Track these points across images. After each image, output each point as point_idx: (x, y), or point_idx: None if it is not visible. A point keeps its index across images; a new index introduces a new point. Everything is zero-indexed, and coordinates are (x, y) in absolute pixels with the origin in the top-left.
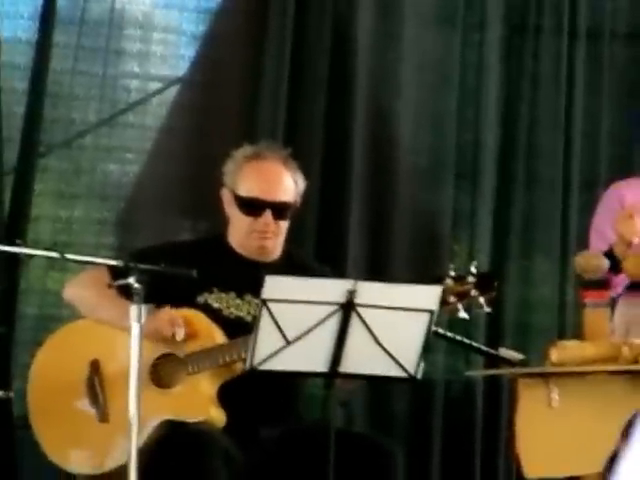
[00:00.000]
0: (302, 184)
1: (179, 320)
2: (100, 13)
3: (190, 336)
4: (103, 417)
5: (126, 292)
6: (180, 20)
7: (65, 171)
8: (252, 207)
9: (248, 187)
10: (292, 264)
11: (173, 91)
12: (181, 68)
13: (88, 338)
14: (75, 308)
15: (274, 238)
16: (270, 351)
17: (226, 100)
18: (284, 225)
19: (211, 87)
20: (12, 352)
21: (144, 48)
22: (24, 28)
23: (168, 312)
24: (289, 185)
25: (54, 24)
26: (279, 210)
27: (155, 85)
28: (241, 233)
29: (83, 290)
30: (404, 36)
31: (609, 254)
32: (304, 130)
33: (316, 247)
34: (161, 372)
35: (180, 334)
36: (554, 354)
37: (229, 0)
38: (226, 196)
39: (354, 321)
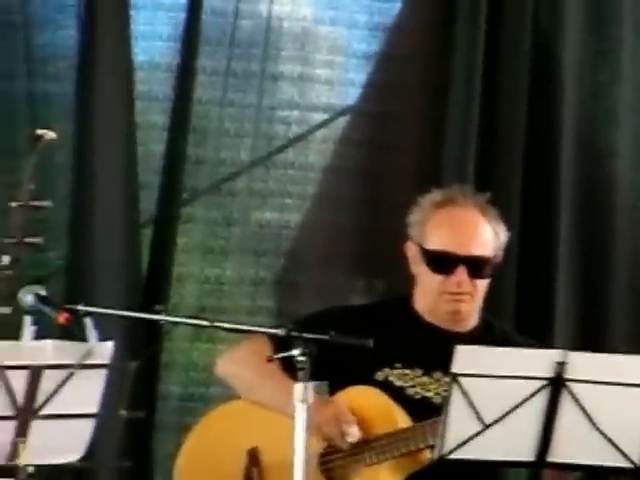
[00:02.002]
0: (504, 236)
1: (349, 416)
2: (253, 32)
3: (367, 420)
4: None
5: (290, 367)
6: (348, 38)
7: (213, 221)
8: (443, 263)
9: (439, 239)
10: (492, 336)
11: (341, 123)
12: (350, 96)
13: (245, 422)
14: (229, 386)
15: (470, 301)
16: (463, 436)
17: (405, 134)
18: (482, 285)
19: (386, 118)
20: (152, 441)
21: (306, 72)
22: (162, 51)
23: (335, 406)
24: (488, 237)
25: (198, 46)
26: (476, 266)
27: (319, 116)
28: (430, 295)
29: (239, 365)
30: (622, 52)
31: None
32: (500, 170)
33: (516, 312)
34: (333, 462)
35: (353, 434)
36: None
37: (407, 14)
38: (411, 251)
39: (564, 399)
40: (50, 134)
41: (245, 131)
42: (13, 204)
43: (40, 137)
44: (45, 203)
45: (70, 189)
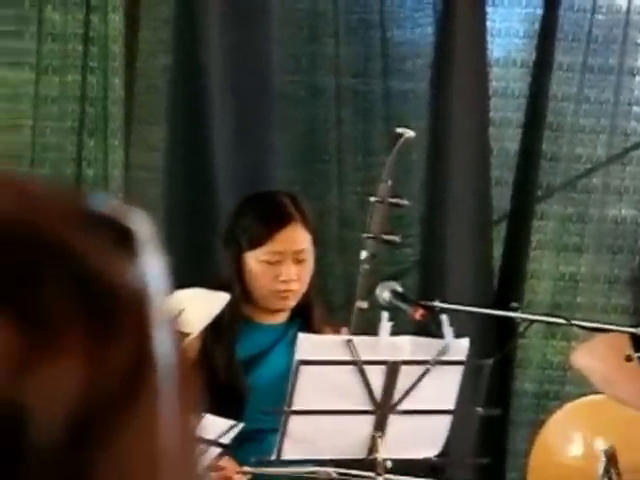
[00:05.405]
0: None
1: None
2: (611, 27)
3: None
4: None
5: None
6: None
7: (568, 218)
8: None
9: None
10: None
11: None
12: None
13: (601, 420)
14: (584, 384)
15: None
16: None
17: None
18: None
19: None
20: (507, 437)
21: None
22: (519, 48)
23: None
24: None
25: (555, 42)
26: None
27: None
28: None
29: (597, 358)
30: None
31: None
32: None
33: None
34: None
35: None
36: None
37: None
38: None
39: None
40: (409, 132)
41: (601, 127)
42: (372, 200)
43: (400, 135)
44: (403, 201)
45: (424, 186)
